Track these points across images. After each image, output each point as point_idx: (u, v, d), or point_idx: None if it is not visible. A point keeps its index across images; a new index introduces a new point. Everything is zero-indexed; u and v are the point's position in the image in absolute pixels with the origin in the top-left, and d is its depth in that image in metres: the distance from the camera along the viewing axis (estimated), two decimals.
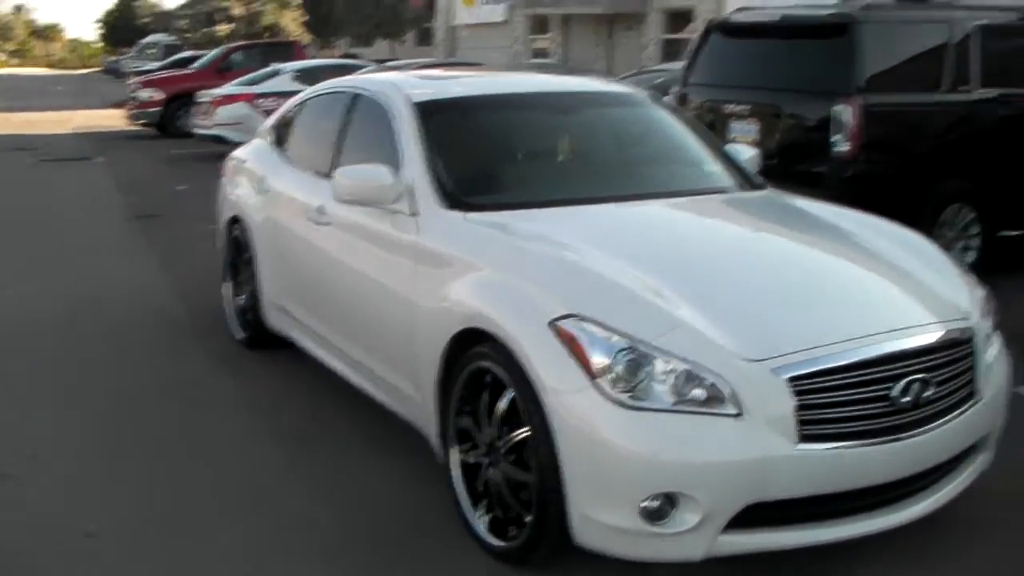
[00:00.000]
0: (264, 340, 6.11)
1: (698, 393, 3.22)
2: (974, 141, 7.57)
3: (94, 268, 8.70)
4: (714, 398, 3.22)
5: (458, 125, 4.80)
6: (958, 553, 3.76)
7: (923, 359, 3.48)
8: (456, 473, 3.90)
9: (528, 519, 3.53)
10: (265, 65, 19.58)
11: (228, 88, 17.44)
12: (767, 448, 3.20)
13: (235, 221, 6.36)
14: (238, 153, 6.90)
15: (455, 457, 3.91)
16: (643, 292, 3.47)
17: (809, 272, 3.90)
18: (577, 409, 3.25)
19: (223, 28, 28.34)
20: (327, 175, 5.17)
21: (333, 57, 29.57)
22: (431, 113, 4.72)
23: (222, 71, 21.02)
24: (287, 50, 22.28)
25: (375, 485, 4.38)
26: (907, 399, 3.39)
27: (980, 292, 4.05)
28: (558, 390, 3.29)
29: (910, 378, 3.40)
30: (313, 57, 24.59)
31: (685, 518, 3.20)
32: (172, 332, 6.72)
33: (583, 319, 3.34)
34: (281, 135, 6.19)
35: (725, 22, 8.50)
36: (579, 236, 3.96)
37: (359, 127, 5.20)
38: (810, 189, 5.53)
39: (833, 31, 7.34)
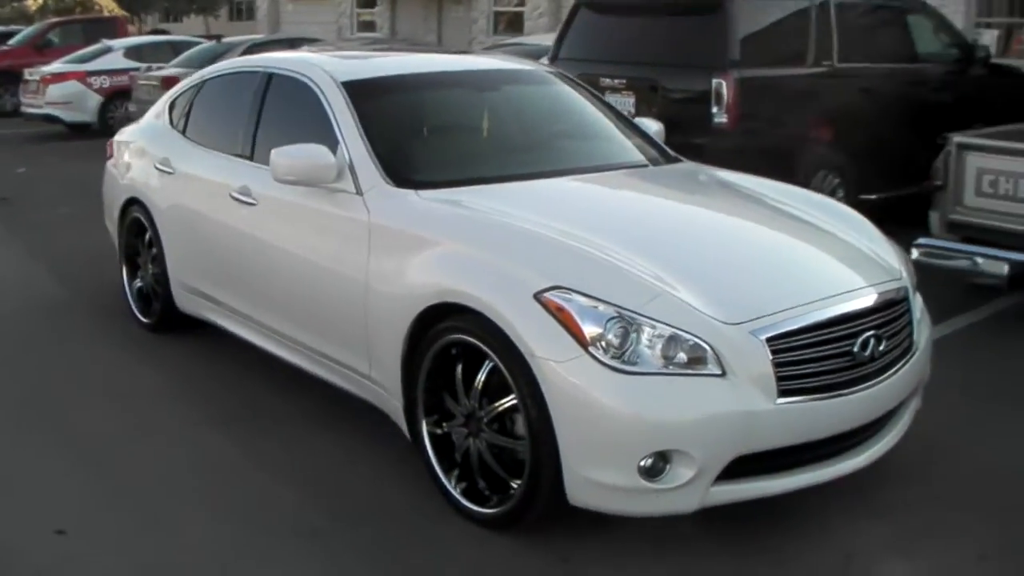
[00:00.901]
0: (171, 323, 5.99)
1: (683, 356, 3.40)
2: (835, 112, 8.01)
3: None
4: (699, 360, 3.40)
5: (388, 104, 4.83)
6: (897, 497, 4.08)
7: (874, 317, 3.77)
8: (428, 445, 3.96)
9: (515, 484, 3.64)
10: (86, 42, 18.83)
11: (58, 66, 16.71)
12: (751, 404, 3.41)
13: (131, 203, 6.18)
14: (125, 136, 6.70)
15: (425, 430, 3.97)
16: (618, 263, 3.61)
17: (759, 242, 4.15)
18: (571, 377, 3.38)
19: (32, 2, 26.88)
20: (247, 156, 5.13)
21: (141, 34, 28.63)
22: (360, 92, 4.73)
23: (41, 48, 20.09)
24: (109, 26, 21.41)
25: (332, 460, 4.41)
26: (866, 353, 3.66)
27: (903, 254, 4.38)
28: (549, 359, 3.41)
29: (866, 334, 3.68)
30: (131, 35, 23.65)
31: (680, 473, 3.38)
32: (66, 320, 6.49)
33: (569, 290, 3.46)
34: (179, 116, 6.03)
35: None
36: (536, 210, 4.07)
37: (279, 107, 5.15)
38: (693, 159, 5.78)
39: (707, 8, 7.64)
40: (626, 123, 5.37)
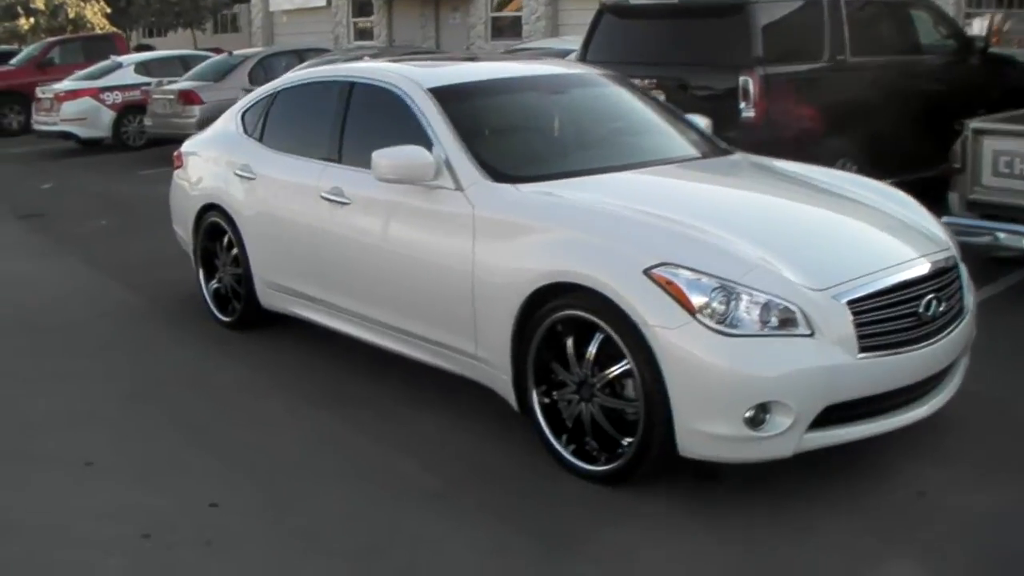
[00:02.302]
0: (252, 319, 6.42)
1: (777, 319, 3.87)
2: (851, 103, 8.51)
3: (13, 273, 8.59)
4: (791, 322, 3.88)
5: (472, 107, 5.27)
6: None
7: (934, 281, 4.26)
8: (540, 413, 4.42)
9: (626, 442, 4.10)
10: (87, 59, 19.25)
11: (71, 83, 17.07)
12: (836, 359, 3.89)
13: (209, 208, 6.60)
14: (193, 146, 7.11)
15: (536, 399, 4.43)
16: (714, 240, 4.08)
17: (825, 219, 4.65)
18: (682, 341, 3.84)
19: (25, 22, 27.14)
20: (335, 159, 5.57)
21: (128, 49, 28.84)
22: (446, 98, 5.18)
23: (43, 66, 20.46)
24: (108, 44, 21.76)
25: (436, 432, 4.85)
26: (929, 313, 4.15)
27: (947, 228, 4.88)
28: (662, 326, 3.87)
29: (928, 297, 4.17)
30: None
31: (779, 421, 3.85)
32: (146, 323, 6.89)
33: (676, 265, 3.93)
34: (254, 125, 6.45)
35: (618, 5, 9.18)
36: (626, 198, 4.54)
37: (365, 113, 5.59)
38: None
39: (730, 9, 8.14)
40: (679, 119, 5.84)
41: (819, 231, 4.49)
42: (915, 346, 4.10)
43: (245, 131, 6.52)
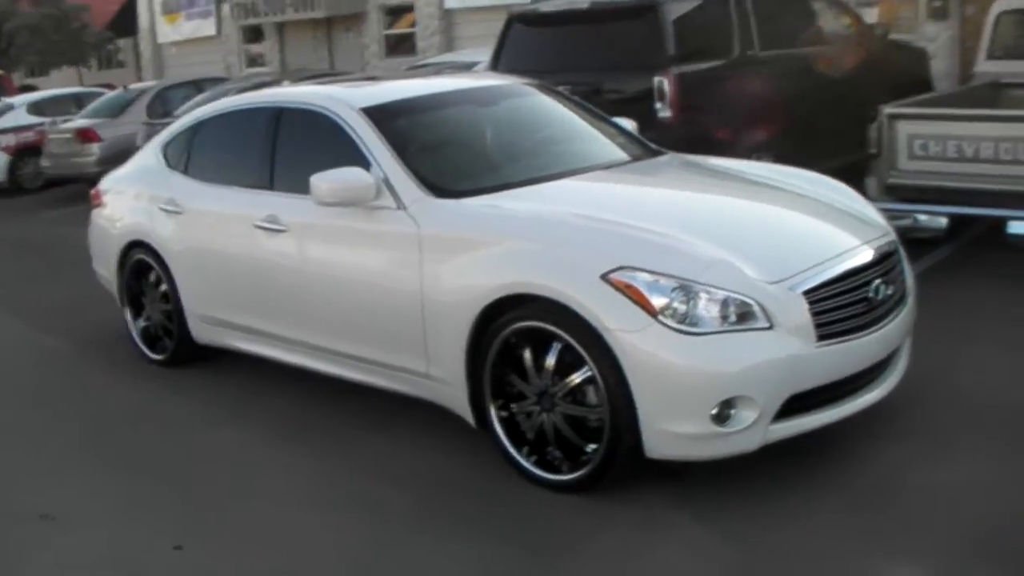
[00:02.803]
0: (186, 356, 6.28)
1: (737, 315, 3.90)
2: (764, 97, 8.64)
3: None
4: (750, 316, 3.91)
5: (406, 125, 5.23)
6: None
7: (880, 266, 4.35)
8: (499, 427, 4.39)
9: (591, 448, 4.10)
10: None
11: None
12: (796, 349, 3.94)
13: (133, 246, 6.44)
14: (111, 182, 6.95)
15: (495, 413, 4.40)
16: (666, 241, 4.10)
17: (769, 213, 4.71)
18: (645, 343, 3.85)
19: None
20: (266, 187, 5.48)
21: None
22: (379, 116, 5.13)
23: None
24: None
25: (400, 454, 4.79)
26: (879, 297, 4.23)
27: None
28: (623, 330, 3.88)
29: (876, 281, 4.25)
30: None
31: (745, 416, 3.88)
32: (75, 366, 6.70)
33: (633, 269, 3.93)
34: (178, 157, 6.32)
35: (527, 13, 9.20)
36: (572, 205, 4.54)
37: (295, 138, 5.51)
38: None
39: (641, 11, 8.20)
40: (607, 123, 5.87)
41: (765, 225, 4.55)
42: (868, 330, 4.18)
43: (168, 164, 6.37)
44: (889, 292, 4.33)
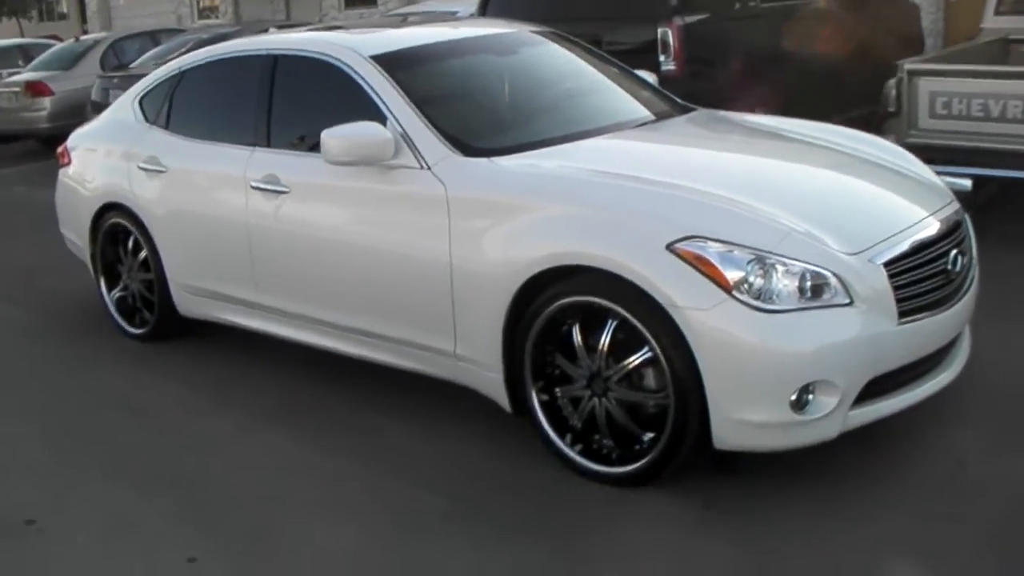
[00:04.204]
0: (168, 330, 5.78)
1: (816, 289, 3.50)
2: (768, 49, 8.25)
3: None
4: (830, 291, 3.51)
5: (422, 75, 4.75)
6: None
7: (954, 236, 3.97)
8: (540, 413, 3.97)
9: (647, 437, 3.70)
10: None
11: None
12: (879, 327, 3.55)
13: (109, 208, 5.90)
14: (81, 138, 6.39)
15: (536, 398, 3.98)
16: (736, 208, 3.67)
17: (834, 178, 4.27)
18: (719, 322, 3.43)
19: None
20: (263, 144, 4.99)
21: None
22: (392, 65, 4.64)
23: None
24: None
25: (414, 443, 4.36)
26: (957, 269, 3.87)
27: None
28: (694, 307, 3.46)
29: (953, 251, 3.88)
30: None
31: (825, 402, 3.49)
32: (45, 342, 6.15)
33: (703, 238, 3.51)
34: (156, 110, 5.78)
35: None
36: (620, 166, 4.09)
37: (294, 90, 5.01)
38: None
39: None
40: (630, 76, 5.43)
41: (835, 191, 4.13)
42: (947, 305, 3.82)
43: (146, 119, 5.82)
44: (965, 263, 3.97)
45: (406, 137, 4.31)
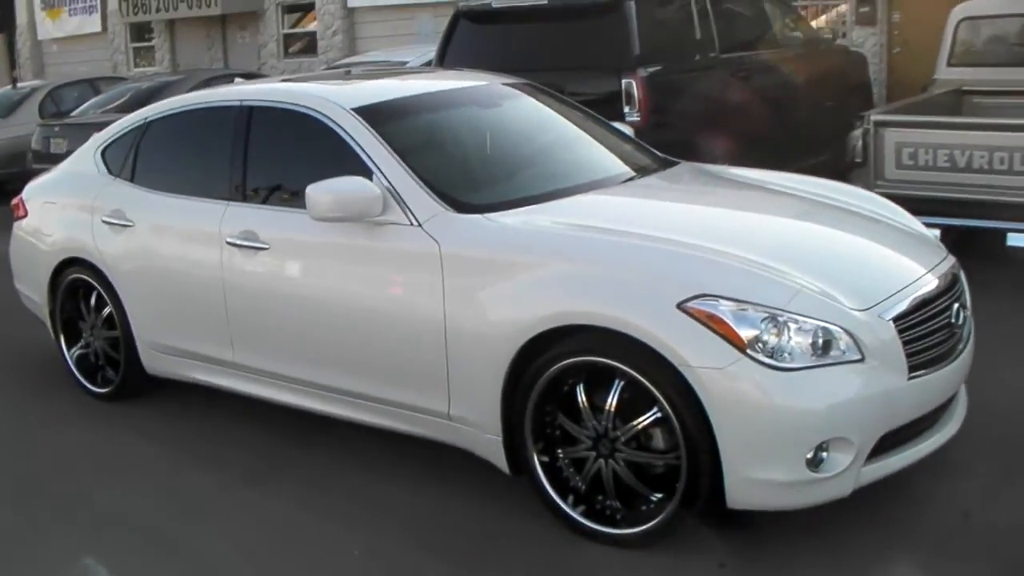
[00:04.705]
0: (133, 388, 5.58)
1: (828, 346, 3.44)
2: (729, 99, 8.31)
3: None
4: (842, 348, 3.46)
5: (406, 128, 4.64)
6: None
7: (954, 289, 3.96)
8: (542, 474, 3.85)
9: (655, 498, 3.61)
10: None
11: None
12: (890, 383, 3.51)
13: (69, 263, 5.68)
14: (37, 190, 6.17)
15: (537, 459, 3.86)
16: (745, 265, 3.61)
17: (833, 234, 4.23)
18: (733, 381, 3.36)
19: None
20: (239, 199, 4.84)
21: None
22: (376, 118, 4.54)
23: None
24: None
25: (400, 504, 4.22)
26: (959, 323, 3.85)
27: None
28: (708, 367, 3.38)
29: (955, 305, 3.87)
30: None
31: (839, 459, 3.44)
32: (6, 399, 5.90)
33: (714, 297, 3.44)
34: (120, 162, 5.59)
35: (476, 10, 8.64)
36: (620, 223, 4.02)
37: (273, 143, 4.88)
38: None
39: (604, 9, 7.75)
40: (610, 129, 5.38)
41: (836, 248, 4.09)
42: (951, 358, 3.80)
43: (109, 171, 5.63)
44: (967, 316, 3.96)
45: (394, 193, 4.20)
